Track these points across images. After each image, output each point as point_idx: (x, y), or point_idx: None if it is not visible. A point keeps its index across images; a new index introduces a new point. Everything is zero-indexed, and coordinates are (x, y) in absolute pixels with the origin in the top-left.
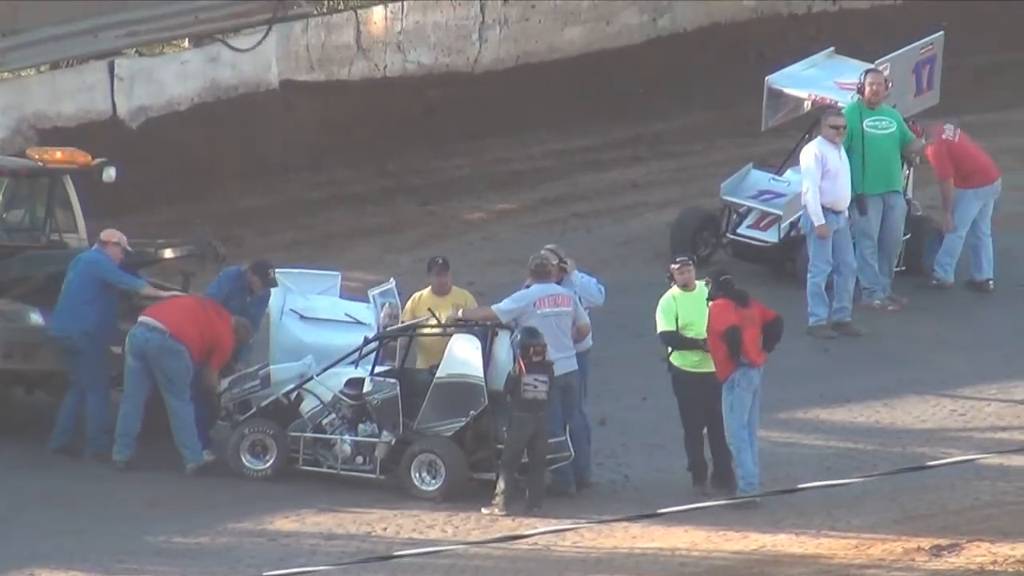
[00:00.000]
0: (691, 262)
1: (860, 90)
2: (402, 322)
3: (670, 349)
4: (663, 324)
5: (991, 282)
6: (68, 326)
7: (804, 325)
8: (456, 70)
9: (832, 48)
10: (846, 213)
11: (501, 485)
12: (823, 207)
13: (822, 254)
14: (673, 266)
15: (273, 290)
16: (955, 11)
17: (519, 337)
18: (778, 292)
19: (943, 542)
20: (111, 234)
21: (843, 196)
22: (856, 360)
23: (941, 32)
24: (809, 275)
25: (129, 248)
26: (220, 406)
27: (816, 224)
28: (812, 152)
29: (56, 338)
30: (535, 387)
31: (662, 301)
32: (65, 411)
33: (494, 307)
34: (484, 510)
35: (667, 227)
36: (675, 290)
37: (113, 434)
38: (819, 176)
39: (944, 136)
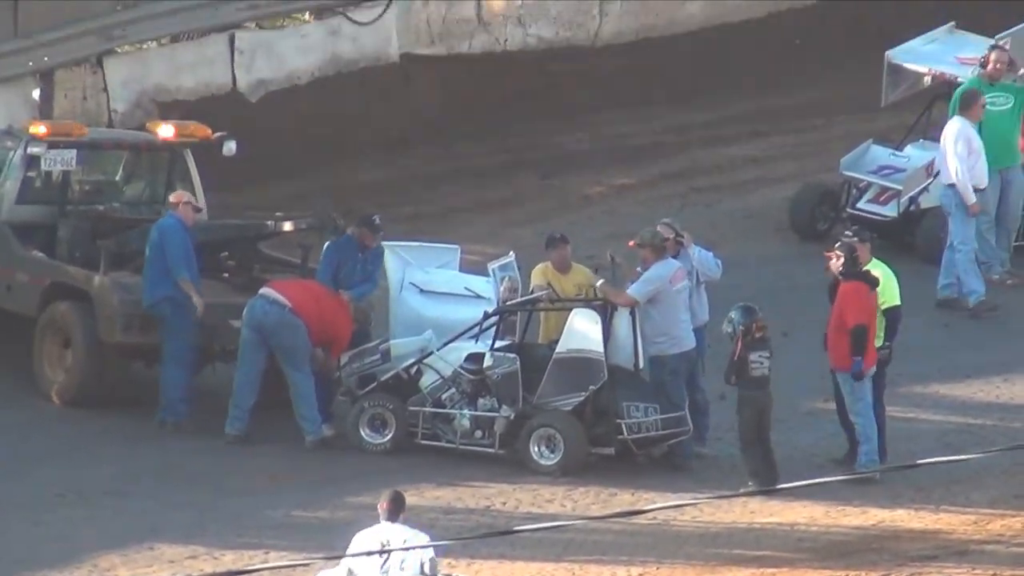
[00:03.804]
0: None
1: (984, 64)
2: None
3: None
4: None
5: None
6: (155, 295)
7: (924, 299)
8: (576, 44)
9: (953, 23)
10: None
11: (750, 465)
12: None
13: (968, 231)
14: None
15: (392, 264)
16: None
17: (735, 314)
18: (898, 267)
19: None
20: (180, 195)
21: (984, 174)
22: (975, 335)
23: None
24: (957, 254)
25: (199, 206)
26: (341, 381)
27: (969, 203)
28: (955, 129)
29: (148, 309)
30: (761, 364)
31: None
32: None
33: (631, 292)
34: (742, 489)
35: (786, 202)
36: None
37: (185, 404)
38: (966, 154)
39: None
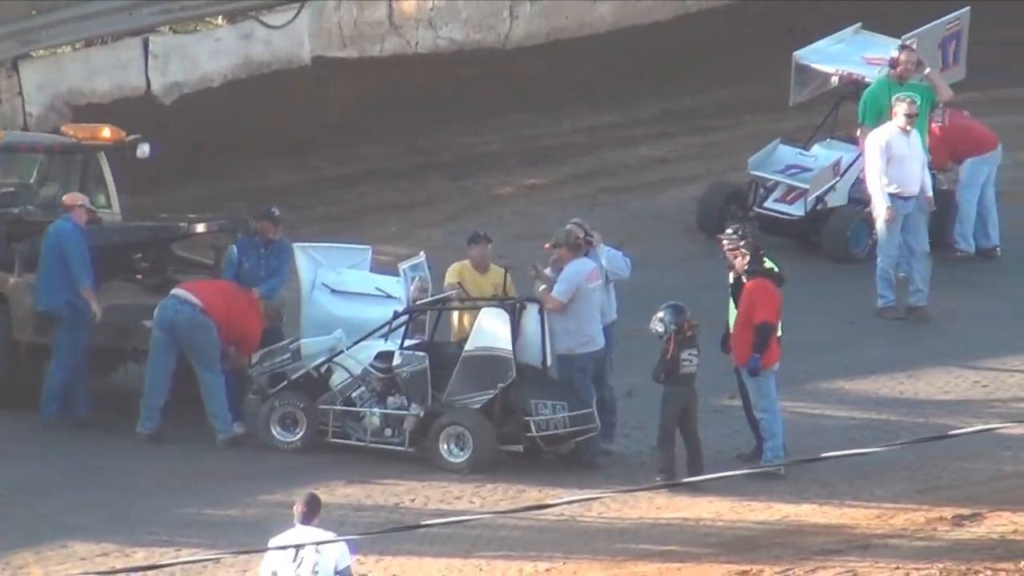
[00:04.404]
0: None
1: (894, 64)
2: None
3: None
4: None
5: (998, 248)
6: (53, 300)
7: (829, 297)
8: (487, 46)
9: (859, 24)
10: (915, 199)
11: (664, 460)
12: (891, 194)
13: (890, 238)
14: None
15: (303, 264)
16: None
17: (666, 315)
18: (804, 265)
19: (965, 512)
20: (75, 197)
21: (910, 181)
22: (880, 333)
23: (967, 8)
24: (878, 259)
25: (93, 208)
26: (251, 380)
27: (882, 209)
28: (875, 139)
29: (42, 313)
30: (691, 361)
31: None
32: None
33: (554, 295)
34: (657, 479)
35: (694, 202)
36: None
37: (59, 403)
38: (881, 163)
39: (933, 124)
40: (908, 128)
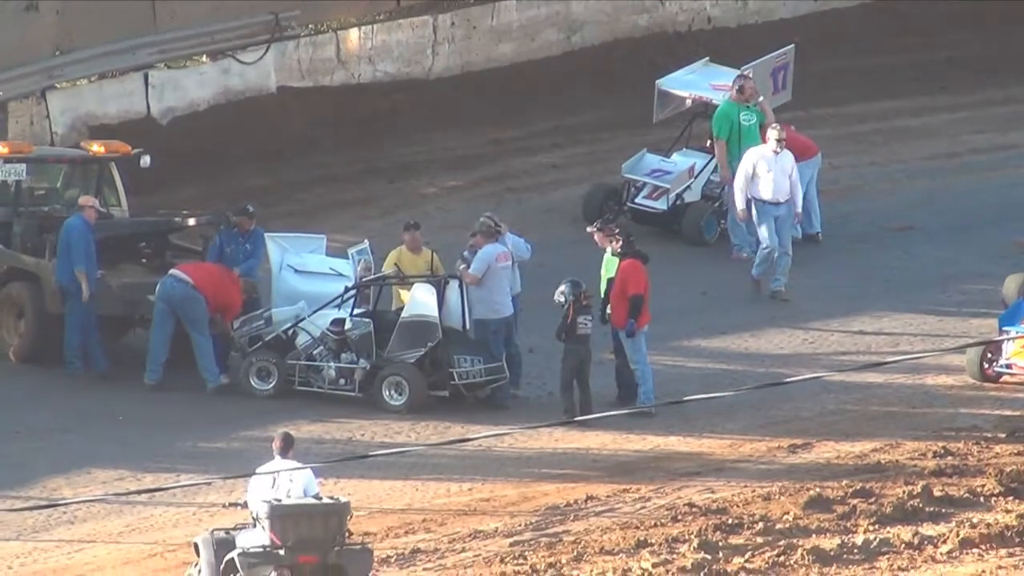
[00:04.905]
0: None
1: (741, 89)
2: (377, 273)
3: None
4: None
5: (820, 235)
6: (64, 277)
7: (688, 274)
8: (415, 77)
9: (707, 58)
10: (785, 205)
11: (566, 402)
12: (764, 201)
13: (739, 232)
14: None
15: (273, 250)
16: (806, 27)
17: (566, 288)
18: (667, 248)
19: (798, 442)
20: (87, 199)
21: (778, 190)
22: (728, 301)
23: (792, 46)
24: (734, 248)
25: (101, 209)
26: (234, 340)
27: (737, 210)
28: (749, 157)
29: (60, 286)
30: (585, 325)
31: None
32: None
33: (471, 271)
34: (561, 419)
35: (580, 199)
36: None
37: (85, 359)
38: (743, 177)
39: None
40: (778, 150)
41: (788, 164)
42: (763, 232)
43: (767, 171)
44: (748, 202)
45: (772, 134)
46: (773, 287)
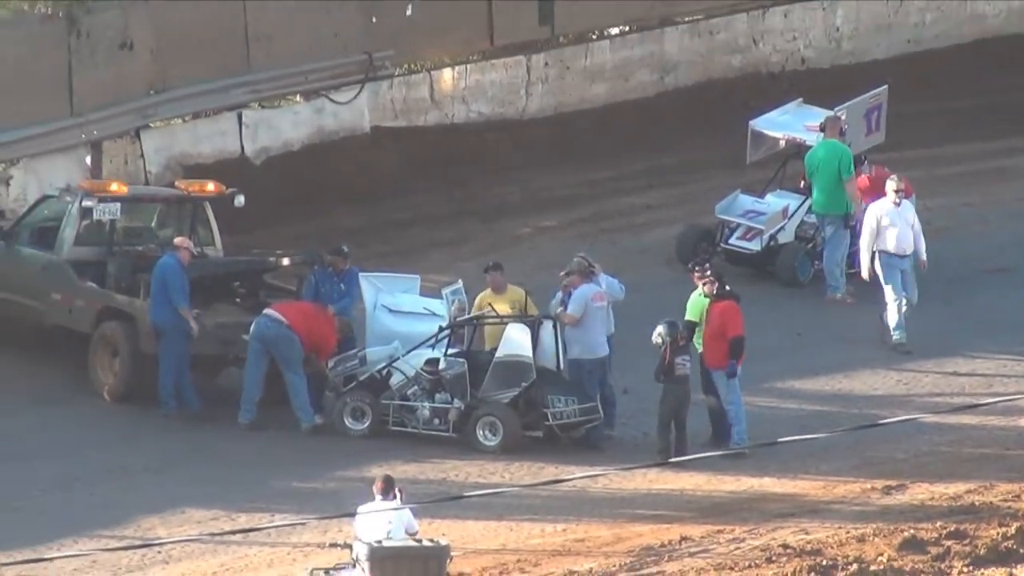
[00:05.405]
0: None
1: (821, 128)
2: (469, 314)
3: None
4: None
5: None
6: (158, 316)
7: (782, 315)
8: (508, 117)
9: (801, 99)
10: (910, 256)
11: (662, 443)
12: (890, 253)
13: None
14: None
15: (367, 290)
16: (899, 68)
17: (663, 328)
18: (761, 289)
19: (892, 483)
20: (182, 240)
21: (902, 244)
22: (821, 342)
23: (886, 86)
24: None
25: (195, 251)
26: (328, 380)
27: (863, 268)
28: (873, 211)
29: (153, 326)
30: (683, 365)
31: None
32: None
33: (569, 312)
34: (655, 460)
35: (673, 239)
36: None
37: (178, 399)
38: (870, 232)
39: (863, 175)
40: (898, 202)
41: (910, 214)
42: (889, 289)
43: (890, 224)
44: (872, 255)
45: (890, 185)
46: (895, 338)
